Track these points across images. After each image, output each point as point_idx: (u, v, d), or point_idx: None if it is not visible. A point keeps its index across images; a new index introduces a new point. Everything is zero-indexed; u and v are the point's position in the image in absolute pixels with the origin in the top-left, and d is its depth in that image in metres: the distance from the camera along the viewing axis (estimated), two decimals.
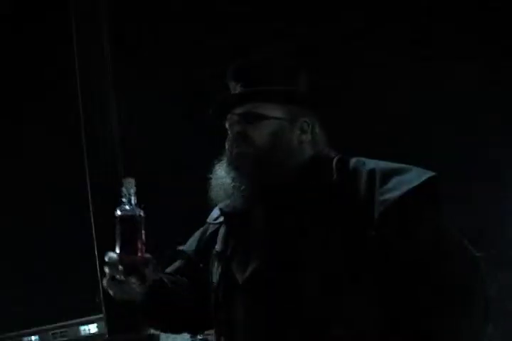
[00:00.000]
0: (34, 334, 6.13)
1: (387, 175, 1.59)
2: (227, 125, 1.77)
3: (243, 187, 1.69)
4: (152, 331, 4.26)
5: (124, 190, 1.58)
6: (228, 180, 1.71)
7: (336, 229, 1.57)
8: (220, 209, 1.79)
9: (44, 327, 5.99)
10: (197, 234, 1.93)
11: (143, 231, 1.55)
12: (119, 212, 1.56)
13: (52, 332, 6.04)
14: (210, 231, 1.87)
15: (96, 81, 4.28)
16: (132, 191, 1.58)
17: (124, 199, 1.57)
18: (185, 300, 1.80)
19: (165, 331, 2.09)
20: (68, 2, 4.43)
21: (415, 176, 1.58)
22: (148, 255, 1.56)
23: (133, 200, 1.57)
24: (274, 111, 1.73)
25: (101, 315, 4.50)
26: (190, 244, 1.91)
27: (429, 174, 1.58)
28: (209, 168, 1.78)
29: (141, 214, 1.56)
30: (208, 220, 1.89)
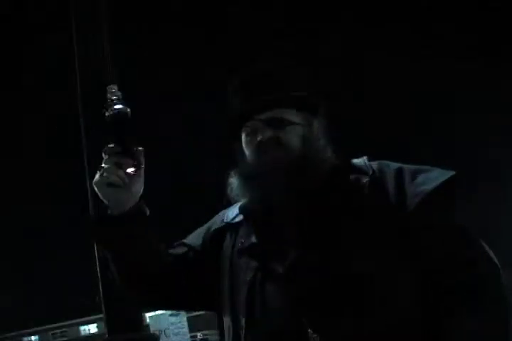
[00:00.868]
0: (34, 334, 6.16)
1: (415, 173, 1.74)
2: (247, 131, 1.83)
3: (278, 190, 1.74)
4: (152, 331, 4.26)
5: (108, 95, 1.72)
6: (266, 186, 1.75)
7: (373, 221, 1.67)
8: (245, 208, 1.85)
9: (44, 327, 6.01)
10: (201, 230, 1.99)
11: (132, 127, 1.71)
12: (109, 110, 1.71)
13: (52, 332, 6.07)
14: (215, 228, 1.94)
15: (96, 81, 4.28)
16: (118, 94, 1.72)
17: (111, 102, 1.71)
18: (165, 271, 1.85)
19: (124, 283, 1.91)
20: (68, 2, 4.43)
21: (440, 174, 1.72)
22: (139, 146, 1.71)
23: (119, 101, 1.71)
24: (296, 117, 1.82)
25: (101, 315, 4.51)
26: (194, 238, 1.97)
27: (452, 172, 1.72)
28: (211, 173, 1.82)
29: (128, 111, 1.71)
30: (225, 220, 1.93)
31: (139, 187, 1.75)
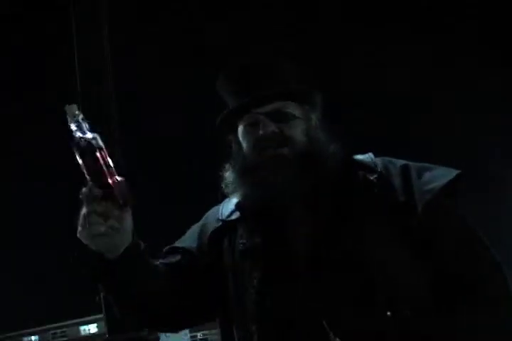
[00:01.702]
0: (34, 334, 6.14)
1: (421, 170, 1.71)
2: (246, 124, 1.74)
3: (283, 188, 1.65)
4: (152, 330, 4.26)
5: (69, 118, 1.45)
6: (272, 180, 1.66)
7: (383, 219, 1.64)
8: (245, 206, 1.75)
9: (44, 327, 5.99)
10: (194, 230, 1.87)
11: (106, 155, 1.45)
12: (73, 142, 1.44)
13: (52, 332, 6.05)
14: (212, 227, 1.81)
15: (96, 81, 4.28)
16: (80, 117, 1.46)
17: (73, 128, 1.44)
18: (166, 289, 1.70)
19: (126, 311, 1.75)
20: (68, 2, 4.43)
21: (446, 172, 1.71)
22: (120, 177, 1.47)
23: (84, 126, 1.45)
24: (296, 110, 1.75)
25: (101, 315, 4.50)
26: (189, 241, 1.84)
27: (457, 171, 1.71)
28: (210, 167, 1.76)
29: (97, 137, 1.45)
30: (221, 217, 1.81)
31: (129, 222, 1.54)
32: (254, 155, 1.71)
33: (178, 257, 1.80)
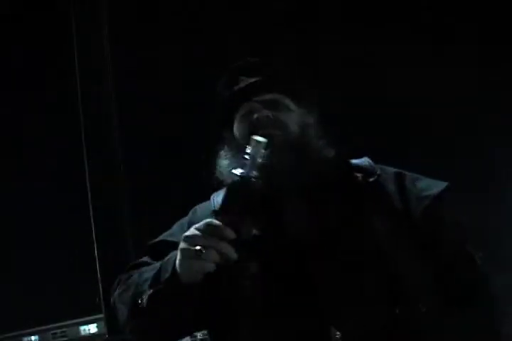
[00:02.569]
0: (34, 334, 6.13)
1: (414, 179, 1.73)
2: (242, 112, 1.73)
3: (277, 166, 1.60)
4: None
5: (250, 149, 1.43)
6: (235, 167, 1.55)
7: (379, 221, 1.61)
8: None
9: (44, 327, 5.98)
10: (183, 225, 1.79)
11: (248, 196, 1.41)
12: (235, 172, 1.41)
13: (52, 332, 6.04)
14: (204, 217, 1.67)
15: (96, 81, 4.28)
16: (260, 152, 1.43)
17: (246, 160, 1.42)
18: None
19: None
20: (68, 2, 4.43)
21: (436, 182, 1.74)
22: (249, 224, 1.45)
23: (256, 162, 1.43)
24: (292, 105, 1.75)
25: (101, 315, 4.50)
26: (178, 233, 1.70)
27: (445, 182, 1.73)
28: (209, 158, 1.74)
29: (253, 178, 1.41)
30: (214, 207, 1.74)
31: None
32: (248, 138, 1.61)
33: (169, 251, 1.68)
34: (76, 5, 4.38)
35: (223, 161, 1.72)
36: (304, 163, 1.64)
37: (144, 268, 1.66)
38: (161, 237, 1.81)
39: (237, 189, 1.41)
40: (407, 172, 1.76)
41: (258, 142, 1.44)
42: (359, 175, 1.70)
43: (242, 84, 1.74)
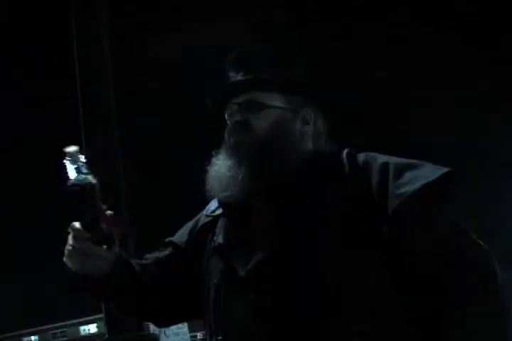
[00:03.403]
0: (34, 334, 6.13)
1: (402, 170, 1.56)
2: (226, 115, 1.73)
3: (242, 176, 1.61)
4: (152, 330, 4.25)
5: (67, 161, 1.53)
6: (226, 171, 1.63)
7: (347, 221, 1.53)
8: (219, 201, 1.72)
9: (44, 327, 5.98)
10: (188, 225, 1.84)
11: (99, 197, 1.55)
12: (69, 183, 1.52)
13: (52, 332, 6.04)
14: (202, 223, 1.79)
15: (96, 81, 4.28)
16: (81, 160, 1.54)
17: (70, 169, 1.52)
18: (157, 287, 1.72)
19: (126, 314, 1.92)
20: (68, 2, 4.43)
21: (431, 171, 1.55)
22: (110, 218, 1.57)
23: (83, 169, 1.53)
24: (275, 100, 1.70)
25: (101, 315, 4.50)
26: (180, 235, 1.83)
27: (445, 169, 1.55)
28: (207, 161, 1.74)
29: (93, 181, 1.53)
30: (205, 213, 1.80)
31: (112, 254, 1.62)
32: (225, 146, 1.71)
33: (167, 251, 1.81)
34: (76, 5, 4.38)
35: (216, 164, 1.71)
36: (268, 169, 1.62)
37: None
38: (172, 237, 1.89)
39: (80, 197, 1.54)
40: (396, 161, 1.59)
41: (69, 153, 1.54)
42: (332, 169, 1.62)
43: (226, 86, 1.74)
